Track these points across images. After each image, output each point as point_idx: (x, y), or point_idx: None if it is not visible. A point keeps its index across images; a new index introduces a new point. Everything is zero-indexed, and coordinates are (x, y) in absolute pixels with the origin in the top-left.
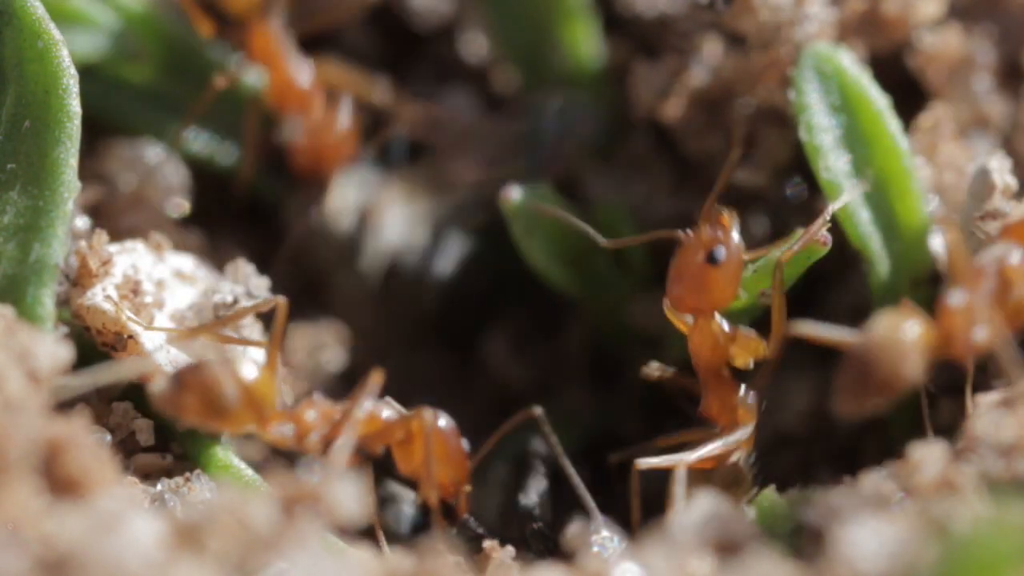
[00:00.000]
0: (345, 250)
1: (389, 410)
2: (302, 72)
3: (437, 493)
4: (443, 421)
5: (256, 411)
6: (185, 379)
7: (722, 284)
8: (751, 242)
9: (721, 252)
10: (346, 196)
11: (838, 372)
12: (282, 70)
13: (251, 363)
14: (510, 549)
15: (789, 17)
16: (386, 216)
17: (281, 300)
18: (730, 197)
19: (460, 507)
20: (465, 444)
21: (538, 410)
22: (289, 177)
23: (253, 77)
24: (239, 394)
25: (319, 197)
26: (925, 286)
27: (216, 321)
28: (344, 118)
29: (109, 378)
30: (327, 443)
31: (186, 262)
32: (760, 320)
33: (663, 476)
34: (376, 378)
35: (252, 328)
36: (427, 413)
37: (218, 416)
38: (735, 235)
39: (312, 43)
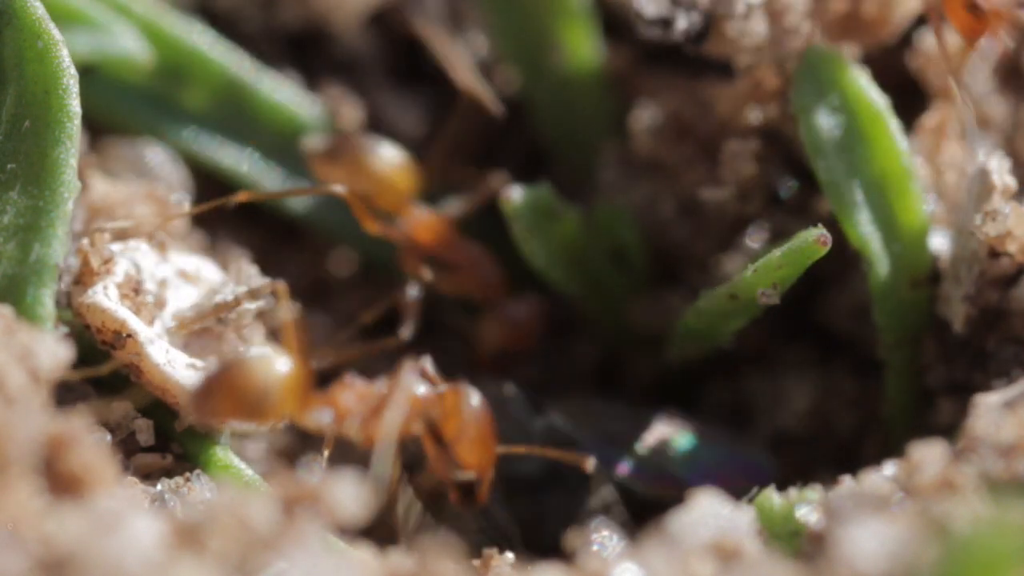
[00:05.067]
0: None
1: (423, 387)
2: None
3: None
4: (477, 399)
5: (293, 401)
6: (214, 383)
7: None
8: (750, 250)
9: None
10: None
11: None
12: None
13: (281, 353)
14: (509, 555)
15: (769, 37)
16: None
17: (280, 284)
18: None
19: (482, 492)
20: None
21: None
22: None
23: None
24: (274, 387)
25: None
26: (925, 286)
27: (214, 308)
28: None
29: None
30: (367, 426)
31: (190, 261)
32: (760, 320)
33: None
34: (414, 365)
35: (253, 328)
36: (463, 388)
37: (255, 413)
38: None
39: (312, 44)
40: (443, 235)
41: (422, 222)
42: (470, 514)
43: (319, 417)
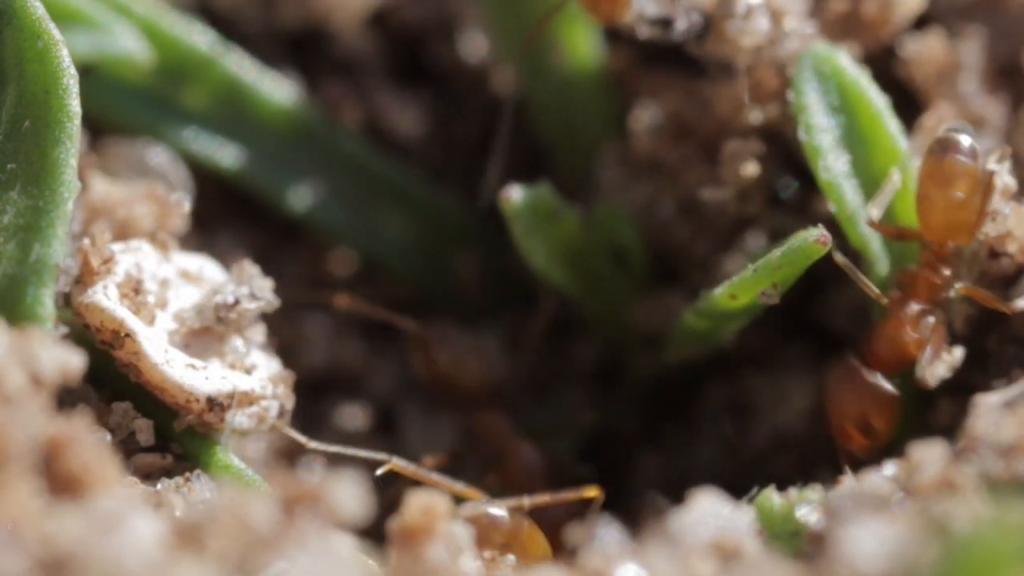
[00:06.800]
0: None
1: (501, 511)
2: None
3: None
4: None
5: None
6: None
7: None
8: (750, 250)
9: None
10: None
11: None
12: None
13: (491, 505)
14: (509, 556)
15: (769, 37)
16: None
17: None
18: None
19: None
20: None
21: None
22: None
23: None
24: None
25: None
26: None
27: (214, 310)
28: None
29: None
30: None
31: (193, 261)
32: (760, 320)
33: (662, 478)
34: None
35: (255, 330)
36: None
37: None
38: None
39: (312, 44)
40: (505, 438)
41: (488, 423)
42: None
43: None
